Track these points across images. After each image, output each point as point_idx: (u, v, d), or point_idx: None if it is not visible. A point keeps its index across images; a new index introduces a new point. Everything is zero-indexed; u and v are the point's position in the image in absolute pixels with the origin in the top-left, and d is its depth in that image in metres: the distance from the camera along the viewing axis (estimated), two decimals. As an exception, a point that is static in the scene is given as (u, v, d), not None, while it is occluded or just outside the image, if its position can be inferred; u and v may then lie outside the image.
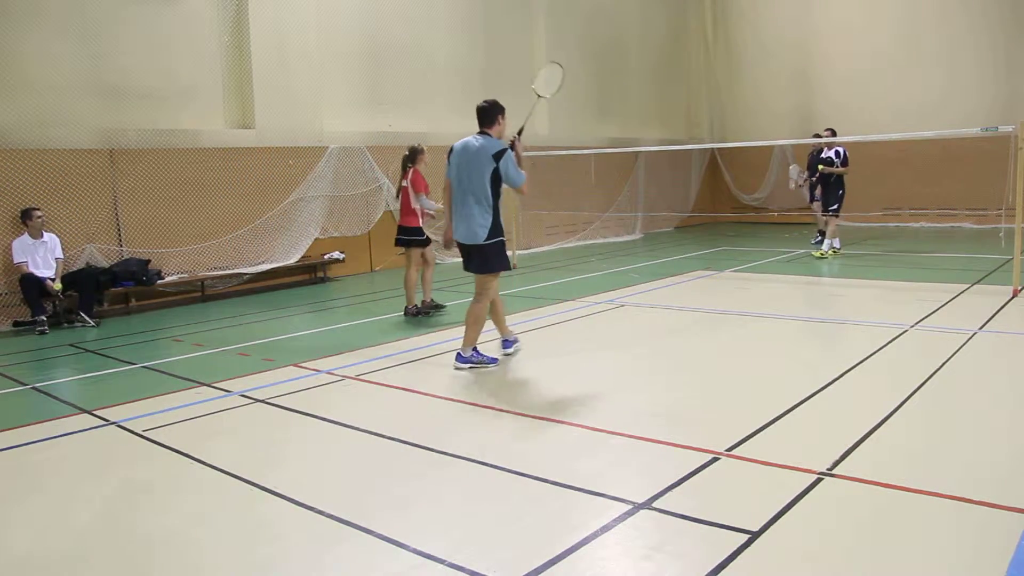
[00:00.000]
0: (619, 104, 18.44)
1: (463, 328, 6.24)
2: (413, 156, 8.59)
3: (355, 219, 12.66)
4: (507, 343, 6.63)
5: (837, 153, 12.42)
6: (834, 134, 12.59)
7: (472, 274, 6.32)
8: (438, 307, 8.67)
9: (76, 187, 9.55)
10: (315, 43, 12.06)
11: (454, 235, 6.19)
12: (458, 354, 6.25)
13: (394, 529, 3.39)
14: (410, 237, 8.53)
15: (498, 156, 5.88)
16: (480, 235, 5.99)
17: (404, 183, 8.55)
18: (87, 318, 8.93)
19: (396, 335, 7.62)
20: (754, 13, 20.15)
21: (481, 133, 6.06)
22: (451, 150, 6.16)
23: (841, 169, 12.36)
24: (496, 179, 5.94)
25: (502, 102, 6.19)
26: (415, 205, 8.50)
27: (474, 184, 5.94)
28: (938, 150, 16.08)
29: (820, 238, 13.45)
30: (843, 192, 12.46)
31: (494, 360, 6.29)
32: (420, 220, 8.51)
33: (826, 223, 12.74)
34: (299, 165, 11.90)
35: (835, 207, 12.41)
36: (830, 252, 12.37)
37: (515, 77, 15.79)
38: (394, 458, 4.34)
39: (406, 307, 8.56)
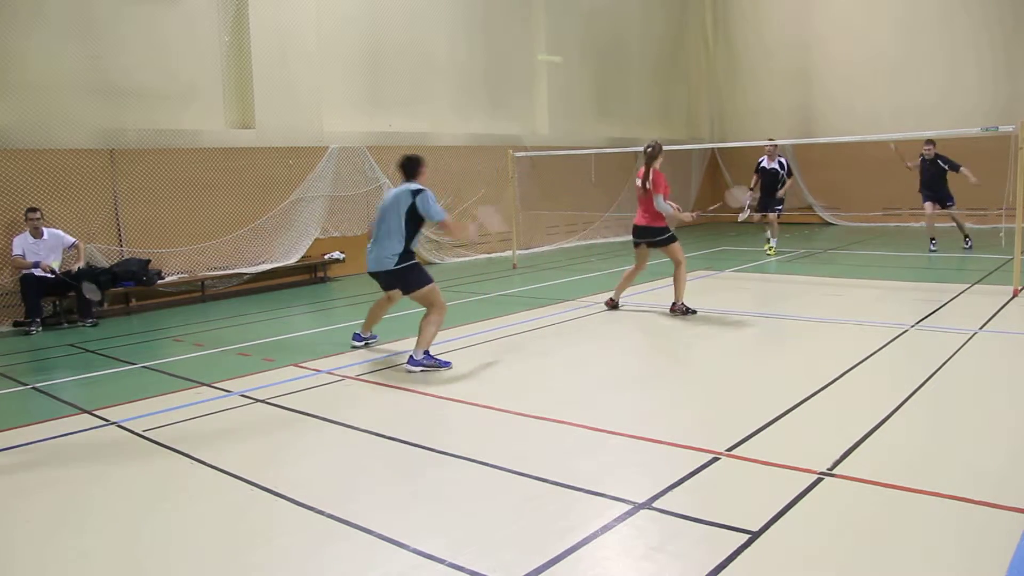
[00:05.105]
0: (619, 104, 18.43)
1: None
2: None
3: (355, 219, 12.65)
4: (413, 360, 6.22)
5: (781, 164, 13.03)
6: (776, 146, 13.12)
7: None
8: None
9: (76, 187, 9.56)
10: (315, 43, 12.06)
11: (367, 266, 6.53)
12: (410, 357, 6.23)
13: (394, 529, 3.38)
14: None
15: (415, 193, 6.23)
16: (389, 263, 6.26)
17: None
18: (91, 304, 8.89)
19: (396, 335, 7.61)
20: (754, 13, 20.14)
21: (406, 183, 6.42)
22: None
23: (790, 182, 13.17)
24: (412, 215, 6.22)
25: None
26: None
27: (391, 222, 6.27)
28: (938, 150, 16.06)
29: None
30: (784, 196, 13.23)
31: (447, 364, 6.27)
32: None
33: (771, 223, 13.24)
34: (299, 165, 11.90)
35: (779, 208, 13.12)
36: (774, 247, 13.00)
37: (515, 77, 15.83)
38: (394, 458, 4.35)
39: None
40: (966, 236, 12.76)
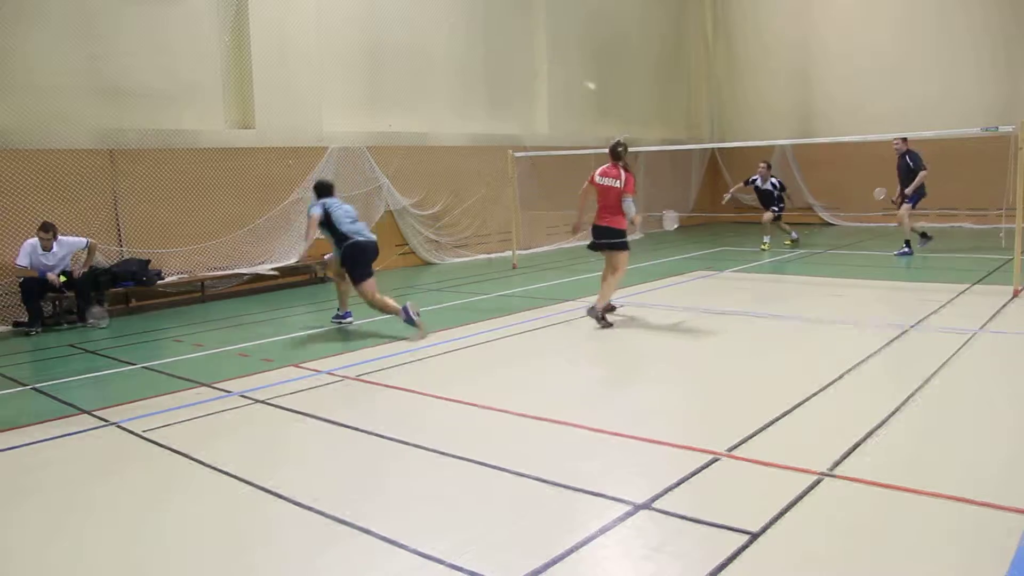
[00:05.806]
0: (619, 104, 18.42)
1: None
2: None
3: (355, 219, 12.65)
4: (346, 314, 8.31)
5: (774, 185, 13.82)
6: (769, 167, 14.10)
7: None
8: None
9: (76, 187, 9.55)
10: (315, 43, 12.06)
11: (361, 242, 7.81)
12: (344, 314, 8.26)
13: (394, 529, 3.38)
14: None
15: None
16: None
17: None
18: (94, 309, 8.87)
19: (395, 335, 7.61)
20: (754, 13, 20.14)
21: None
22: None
23: (787, 197, 14.17)
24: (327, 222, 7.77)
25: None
26: None
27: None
28: (938, 150, 16.06)
29: (793, 235, 14.45)
30: (783, 205, 14.01)
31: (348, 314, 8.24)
32: None
33: (771, 223, 13.94)
34: (299, 165, 11.89)
35: (775, 208, 13.82)
36: (767, 245, 13.73)
37: (515, 77, 15.83)
38: (394, 458, 4.35)
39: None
40: (907, 241, 12.23)
